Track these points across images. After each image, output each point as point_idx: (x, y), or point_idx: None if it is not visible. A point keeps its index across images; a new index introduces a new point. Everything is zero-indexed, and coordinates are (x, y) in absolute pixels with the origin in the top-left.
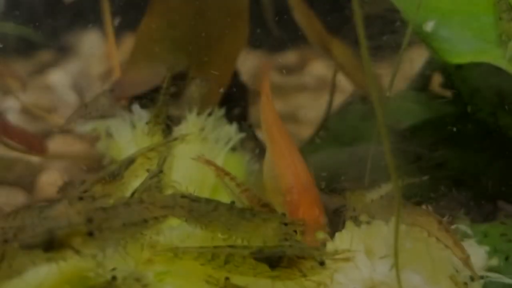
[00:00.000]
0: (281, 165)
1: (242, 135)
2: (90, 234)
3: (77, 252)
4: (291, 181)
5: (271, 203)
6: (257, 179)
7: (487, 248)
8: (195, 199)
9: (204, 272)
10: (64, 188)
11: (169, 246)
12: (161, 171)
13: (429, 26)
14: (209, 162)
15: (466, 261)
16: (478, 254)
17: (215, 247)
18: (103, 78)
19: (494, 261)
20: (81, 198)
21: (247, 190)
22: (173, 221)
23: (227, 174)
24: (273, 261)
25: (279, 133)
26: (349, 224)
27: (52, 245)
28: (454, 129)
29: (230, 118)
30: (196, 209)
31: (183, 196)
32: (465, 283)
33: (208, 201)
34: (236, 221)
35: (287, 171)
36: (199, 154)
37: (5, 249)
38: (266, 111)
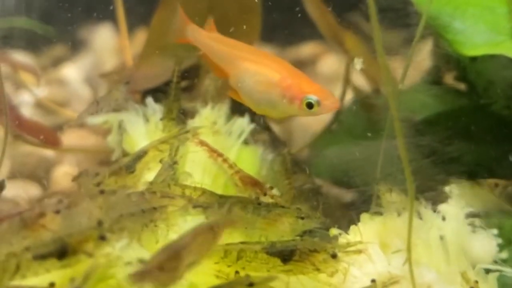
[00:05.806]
0: (261, 70)
1: (254, 126)
2: (102, 238)
3: (91, 255)
4: (278, 73)
5: (262, 183)
6: (270, 170)
7: (499, 241)
8: (207, 206)
9: (216, 268)
10: (79, 177)
11: None
12: (175, 162)
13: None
14: (202, 143)
15: None
16: (489, 246)
17: (227, 244)
18: (116, 73)
19: (504, 254)
20: (102, 192)
21: (240, 172)
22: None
23: (220, 155)
24: (286, 255)
25: (237, 48)
26: (363, 217)
27: (65, 253)
28: (468, 122)
29: (242, 110)
30: (210, 215)
31: (196, 206)
32: (476, 281)
33: (220, 204)
34: (252, 219)
35: (267, 70)
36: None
37: (19, 261)
38: (213, 40)
